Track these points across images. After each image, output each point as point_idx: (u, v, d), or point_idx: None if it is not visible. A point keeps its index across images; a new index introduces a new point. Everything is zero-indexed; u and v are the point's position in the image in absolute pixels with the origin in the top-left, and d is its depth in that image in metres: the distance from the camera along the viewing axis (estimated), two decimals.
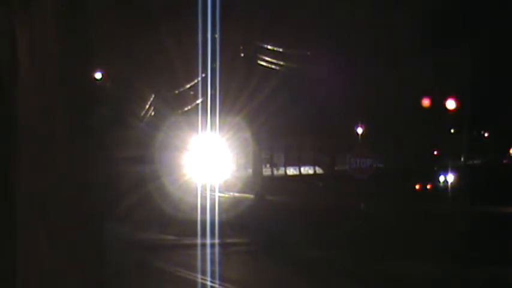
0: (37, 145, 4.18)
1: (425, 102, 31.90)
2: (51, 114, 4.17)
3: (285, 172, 57.09)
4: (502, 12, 33.90)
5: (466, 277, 17.00)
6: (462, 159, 43.70)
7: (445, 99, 38.46)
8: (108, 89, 27.92)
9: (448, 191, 36.70)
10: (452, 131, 44.38)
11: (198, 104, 27.80)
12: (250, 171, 37.25)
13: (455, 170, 39.97)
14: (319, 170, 55.82)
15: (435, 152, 49.42)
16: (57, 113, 4.17)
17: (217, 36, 24.30)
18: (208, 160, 29.33)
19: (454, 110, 40.02)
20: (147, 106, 30.17)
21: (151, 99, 29.91)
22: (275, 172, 55.31)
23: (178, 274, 16.83)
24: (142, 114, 30.30)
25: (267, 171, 49.96)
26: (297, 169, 57.46)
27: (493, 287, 16.56)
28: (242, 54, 28.11)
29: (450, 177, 37.87)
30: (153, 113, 30.39)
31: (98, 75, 24.35)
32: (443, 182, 42.44)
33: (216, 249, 20.56)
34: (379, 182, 43.28)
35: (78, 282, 4.20)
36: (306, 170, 57.39)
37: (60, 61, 4.19)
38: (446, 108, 39.13)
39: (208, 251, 20.18)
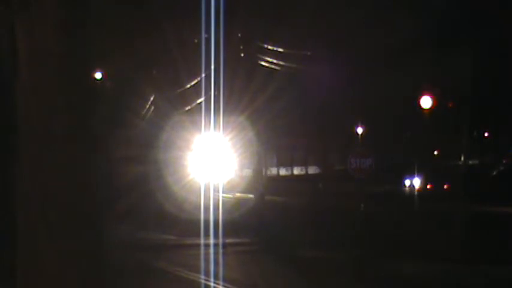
0: (37, 145, 4.18)
1: (425, 102, 31.89)
2: (51, 114, 4.17)
3: (278, 173, 57.04)
4: (503, 12, 33.89)
5: (466, 276, 17.01)
6: (462, 159, 43.66)
7: (445, 99, 38.47)
8: (109, 88, 27.90)
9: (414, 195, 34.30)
10: (452, 131, 44.41)
11: (200, 103, 27.79)
12: (247, 171, 37.25)
13: (424, 172, 38.05)
14: (310, 171, 55.82)
15: (435, 152, 49.45)
16: (57, 113, 4.18)
17: (210, 35, 24.32)
18: (211, 160, 29.30)
19: (454, 110, 40.02)
20: (149, 105, 30.16)
21: (152, 98, 29.88)
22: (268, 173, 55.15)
23: (179, 274, 16.84)
24: (143, 113, 30.28)
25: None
26: (289, 169, 57.45)
27: (494, 285, 16.57)
28: (242, 55, 28.10)
29: (416, 181, 35.47)
30: (154, 112, 30.35)
31: (98, 75, 24.32)
32: (409, 186, 40.19)
33: (216, 249, 20.57)
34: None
35: (78, 282, 4.20)
36: (298, 170, 57.43)
37: (60, 61, 4.19)
38: (446, 108, 39.12)
39: (209, 251, 20.18)
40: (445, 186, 43.36)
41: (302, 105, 35.14)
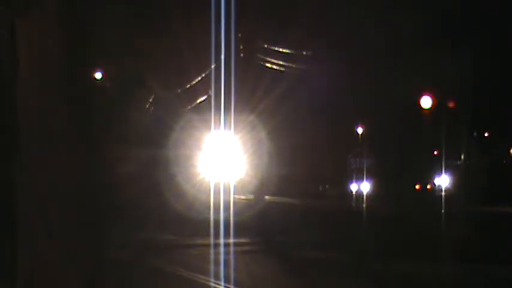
0: (37, 145, 4.18)
1: (425, 102, 31.91)
2: (51, 114, 4.17)
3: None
4: (503, 11, 33.93)
5: (466, 276, 17.02)
6: (462, 158, 43.68)
7: (445, 99, 38.47)
8: (112, 87, 27.88)
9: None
10: (452, 131, 44.41)
11: (205, 102, 27.80)
12: (255, 171, 37.16)
13: (374, 176, 36.30)
14: (299, 171, 55.78)
15: (435, 152, 49.44)
16: (57, 113, 4.18)
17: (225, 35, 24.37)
18: (221, 159, 29.19)
19: (454, 110, 40.03)
20: (155, 103, 30.11)
21: (158, 96, 29.86)
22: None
23: (180, 274, 16.83)
24: (148, 111, 30.25)
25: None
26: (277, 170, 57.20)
27: (494, 285, 16.58)
28: (242, 55, 28.12)
29: (365, 186, 33.54)
30: (162, 110, 30.29)
31: (98, 75, 24.31)
32: (356, 191, 37.85)
33: (219, 249, 20.58)
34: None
35: (78, 282, 4.20)
36: (286, 170, 57.23)
37: (60, 61, 4.19)
38: (446, 108, 39.11)
39: (212, 251, 20.21)
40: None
41: (302, 106, 35.15)
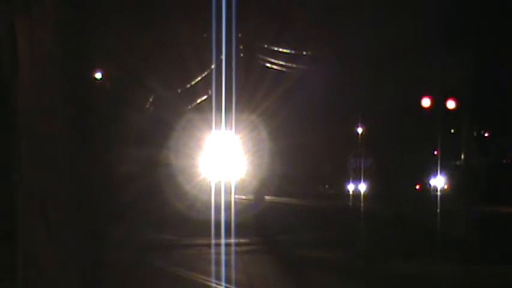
0: (37, 145, 4.18)
1: (425, 102, 31.89)
2: (51, 114, 4.17)
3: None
4: (503, 11, 33.92)
5: (466, 276, 17.01)
6: (462, 158, 43.57)
7: (445, 99, 38.43)
8: (112, 87, 27.84)
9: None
10: (452, 131, 44.37)
11: (202, 102, 27.79)
12: (256, 171, 37.13)
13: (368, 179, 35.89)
14: (298, 171, 55.88)
15: (435, 152, 49.37)
16: (57, 113, 4.18)
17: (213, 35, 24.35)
18: (222, 159, 29.16)
19: (454, 110, 39.98)
20: (150, 102, 30.08)
21: (159, 96, 29.82)
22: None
23: (179, 274, 16.82)
24: (148, 110, 30.22)
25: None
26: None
27: (494, 285, 16.58)
28: (242, 55, 28.11)
29: (362, 187, 33.02)
30: (156, 110, 30.25)
31: (98, 75, 24.28)
32: (353, 191, 37.37)
33: (219, 249, 20.58)
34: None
35: (78, 282, 4.20)
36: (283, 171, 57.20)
37: (60, 61, 4.19)
38: (446, 108, 39.08)
39: (212, 251, 20.21)
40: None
41: (303, 106, 35.13)
